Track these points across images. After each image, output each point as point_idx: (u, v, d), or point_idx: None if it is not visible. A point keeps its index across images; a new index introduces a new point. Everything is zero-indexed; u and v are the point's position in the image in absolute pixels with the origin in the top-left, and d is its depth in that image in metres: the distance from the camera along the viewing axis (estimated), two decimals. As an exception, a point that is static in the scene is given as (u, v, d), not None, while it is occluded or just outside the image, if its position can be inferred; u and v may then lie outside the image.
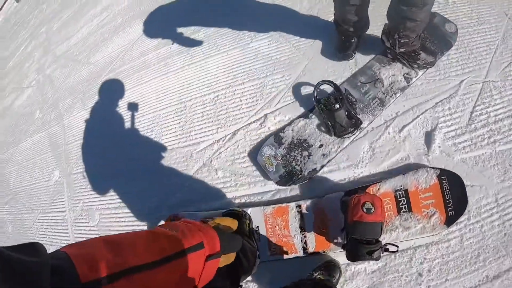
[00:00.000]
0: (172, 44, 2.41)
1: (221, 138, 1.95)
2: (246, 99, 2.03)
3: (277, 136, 1.64)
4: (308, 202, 1.44)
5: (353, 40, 1.78)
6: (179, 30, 2.53)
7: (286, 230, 1.44)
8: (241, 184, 1.73)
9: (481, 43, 1.96)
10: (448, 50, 1.91)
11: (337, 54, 1.84)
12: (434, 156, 1.63)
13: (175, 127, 2.12)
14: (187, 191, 1.82)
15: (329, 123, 1.53)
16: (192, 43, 2.39)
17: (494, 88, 1.78)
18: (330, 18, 2.04)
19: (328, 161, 1.56)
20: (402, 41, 1.53)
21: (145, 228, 1.82)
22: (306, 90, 1.89)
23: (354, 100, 1.70)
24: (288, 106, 1.87)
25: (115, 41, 3.02)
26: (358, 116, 1.60)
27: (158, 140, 2.09)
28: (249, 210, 1.44)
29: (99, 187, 2.21)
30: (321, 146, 1.57)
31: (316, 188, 1.61)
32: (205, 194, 1.73)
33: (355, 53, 1.83)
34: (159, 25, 2.77)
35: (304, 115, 1.70)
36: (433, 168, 1.43)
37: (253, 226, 1.23)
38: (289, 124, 1.72)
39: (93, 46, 3.14)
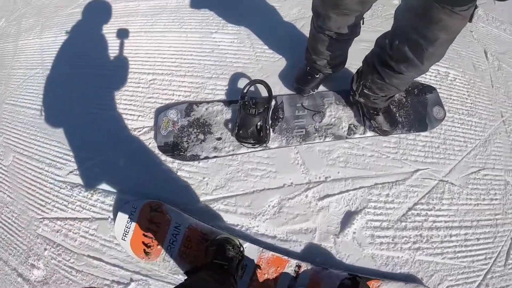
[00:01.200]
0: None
1: (138, 128, 1.74)
2: (179, 95, 1.82)
3: (190, 106, 1.65)
4: (310, 266, 1.35)
5: (317, 76, 1.57)
6: None
7: (273, 283, 1.36)
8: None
9: (459, 136, 1.80)
10: (415, 132, 1.73)
11: (293, 84, 1.63)
12: (343, 240, 1.45)
13: (106, 96, 1.95)
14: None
15: (237, 122, 1.48)
16: (160, 9, 2.21)
17: (448, 191, 1.61)
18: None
19: (214, 157, 1.55)
20: (365, 91, 1.38)
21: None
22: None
23: (281, 117, 1.63)
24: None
25: None
26: (268, 133, 1.53)
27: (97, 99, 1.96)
28: (246, 245, 1.37)
29: (26, 128, 2.04)
30: (219, 139, 1.59)
31: (323, 255, 1.47)
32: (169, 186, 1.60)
33: (313, 91, 1.62)
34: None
35: (225, 103, 1.65)
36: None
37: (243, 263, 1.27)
38: (208, 102, 1.68)
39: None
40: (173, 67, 1.93)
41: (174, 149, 1.55)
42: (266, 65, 1.87)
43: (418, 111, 1.76)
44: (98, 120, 1.78)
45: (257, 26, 2.05)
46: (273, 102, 1.60)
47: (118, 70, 1.95)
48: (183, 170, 1.55)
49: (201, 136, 1.58)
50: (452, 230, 1.54)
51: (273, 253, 1.41)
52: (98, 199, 1.50)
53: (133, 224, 1.38)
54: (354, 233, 1.45)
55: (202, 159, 1.52)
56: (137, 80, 1.93)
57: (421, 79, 1.83)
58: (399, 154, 1.57)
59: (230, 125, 1.58)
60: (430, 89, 1.85)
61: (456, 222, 1.57)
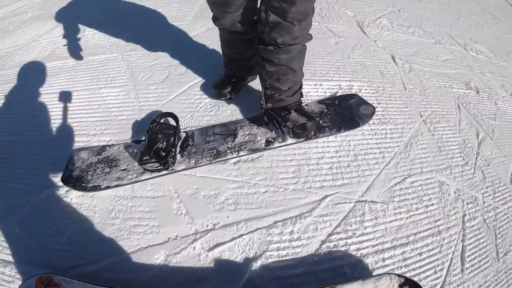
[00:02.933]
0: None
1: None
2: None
3: (103, 147, 1.75)
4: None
5: (233, 80, 1.79)
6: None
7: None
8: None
9: (373, 148, 1.78)
10: (349, 130, 1.81)
11: (212, 89, 1.85)
12: (242, 286, 1.34)
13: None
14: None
15: (142, 149, 1.56)
16: (59, 70, 2.41)
17: (369, 211, 1.55)
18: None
19: (116, 185, 1.58)
20: (267, 92, 1.52)
21: None
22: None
23: (191, 144, 1.70)
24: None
25: (12, 37, 3.08)
26: (174, 155, 1.61)
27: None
28: None
29: None
30: (124, 170, 1.64)
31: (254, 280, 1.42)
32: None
33: (231, 95, 1.83)
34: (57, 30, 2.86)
35: (137, 141, 1.79)
36: (398, 275, 1.28)
37: None
38: (123, 143, 1.80)
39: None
40: (64, 126, 2.00)
41: (77, 181, 1.60)
42: (148, 112, 1.97)
43: (344, 114, 1.86)
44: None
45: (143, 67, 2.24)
46: (183, 135, 1.71)
47: (16, 134, 2.04)
48: (69, 231, 1.56)
49: (107, 170, 1.65)
50: (383, 253, 1.45)
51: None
52: None
53: (38, 307, 1.36)
54: (256, 281, 1.37)
55: (103, 188, 1.57)
56: (35, 141, 1.98)
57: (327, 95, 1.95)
58: (300, 184, 1.52)
59: (135, 151, 1.67)
60: (351, 96, 1.97)
61: (388, 243, 1.48)
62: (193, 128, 1.78)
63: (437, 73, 2.41)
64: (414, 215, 1.61)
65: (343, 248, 1.45)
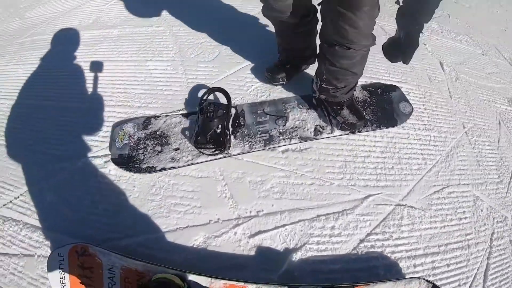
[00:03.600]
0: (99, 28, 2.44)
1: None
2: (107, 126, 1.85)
3: (148, 120, 1.72)
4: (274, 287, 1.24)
5: (287, 66, 1.77)
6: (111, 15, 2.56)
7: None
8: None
9: (416, 154, 1.80)
10: (387, 127, 1.82)
11: (265, 72, 1.83)
12: (280, 275, 1.38)
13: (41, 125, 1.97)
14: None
15: (196, 129, 1.54)
16: (102, 38, 2.36)
17: (407, 216, 1.57)
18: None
19: (172, 167, 1.56)
20: (323, 85, 1.53)
21: None
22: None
23: (242, 124, 1.69)
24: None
25: (53, 3, 2.99)
26: (229, 138, 1.58)
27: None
28: (191, 277, 1.26)
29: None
30: (177, 149, 1.63)
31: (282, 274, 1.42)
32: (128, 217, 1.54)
33: (284, 81, 1.83)
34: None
35: (184, 115, 1.73)
36: (427, 281, 1.32)
37: None
38: (167, 115, 1.74)
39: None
40: (106, 97, 1.95)
41: (129, 161, 1.57)
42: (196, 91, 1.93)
43: (385, 108, 1.85)
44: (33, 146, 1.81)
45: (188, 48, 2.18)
46: (233, 111, 1.68)
47: (55, 100, 2.00)
48: (105, 203, 1.55)
49: (158, 148, 1.62)
50: (415, 259, 1.48)
51: (225, 281, 1.31)
52: (26, 234, 1.48)
53: (67, 276, 1.34)
54: (294, 272, 1.39)
55: (158, 170, 1.55)
56: (75, 109, 1.95)
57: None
58: (346, 180, 1.54)
59: (188, 135, 1.62)
60: (393, 87, 1.97)
61: (420, 250, 1.51)
62: (243, 103, 1.78)
63: (482, 85, 2.39)
64: (448, 225, 1.64)
65: (379, 250, 1.48)
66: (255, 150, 1.58)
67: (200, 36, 2.25)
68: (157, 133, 1.67)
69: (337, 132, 1.66)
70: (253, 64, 2.04)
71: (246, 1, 2.59)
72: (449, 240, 1.60)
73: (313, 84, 1.62)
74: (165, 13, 2.47)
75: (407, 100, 1.93)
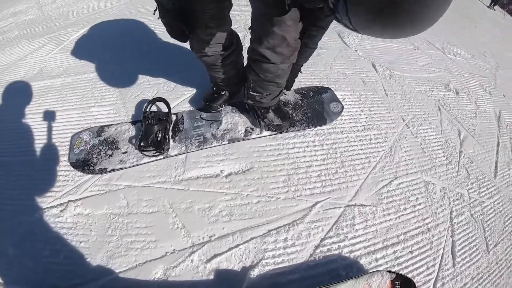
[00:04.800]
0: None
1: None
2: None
3: (102, 128, 1.90)
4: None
5: (223, 93, 1.85)
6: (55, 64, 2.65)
7: None
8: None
9: (359, 154, 1.88)
10: (316, 126, 1.95)
11: (201, 103, 1.90)
12: None
13: None
14: None
15: (140, 135, 1.74)
16: (47, 89, 2.43)
17: (359, 214, 1.63)
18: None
19: (120, 168, 1.74)
20: (250, 92, 1.64)
21: None
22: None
23: (181, 129, 1.88)
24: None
25: None
26: (167, 141, 1.78)
27: None
28: None
29: None
30: (124, 152, 1.81)
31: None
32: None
33: (221, 107, 1.91)
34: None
35: (132, 122, 1.93)
36: (389, 271, 1.35)
37: None
38: (118, 124, 1.93)
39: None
40: (54, 147, 1.99)
41: (84, 164, 1.76)
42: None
43: (315, 109, 2.00)
44: None
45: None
46: (174, 118, 1.87)
47: (5, 155, 2.03)
48: (66, 250, 1.57)
49: (109, 152, 1.81)
50: (376, 253, 1.52)
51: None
52: None
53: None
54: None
55: (109, 171, 1.72)
56: (25, 162, 1.98)
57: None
58: (291, 192, 1.60)
59: (134, 141, 1.81)
60: (325, 89, 2.12)
61: (379, 244, 1.56)
62: (183, 111, 1.95)
63: (417, 78, 2.54)
64: (402, 215, 1.69)
65: (336, 252, 1.52)
66: (191, 151, 1.77)
67: (138, 77, 2.36)
68: (109, 139, 1.87)
69: (265, 132, 1.83)
70: (191, 96, 2.16)
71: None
72: (407, 228, 1.65)
73: (244, 90, 1.76)
74: (105, 58, 2.59)
75: (337, 100, 2.07)
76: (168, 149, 1.76)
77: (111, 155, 1.81)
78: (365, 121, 2.06)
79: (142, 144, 1.71)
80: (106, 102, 2.14)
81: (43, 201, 1.71)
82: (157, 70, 2.32)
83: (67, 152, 1.89)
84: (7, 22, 3.53)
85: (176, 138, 1.83)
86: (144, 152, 1.74)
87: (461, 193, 1.88)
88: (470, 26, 3.83)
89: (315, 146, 1.86)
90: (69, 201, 1.71)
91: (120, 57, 2.51)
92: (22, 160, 1.90)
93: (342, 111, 1.96)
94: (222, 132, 1.84)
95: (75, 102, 2.19)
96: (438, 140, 2.11)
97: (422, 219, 1.69)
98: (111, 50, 2.59)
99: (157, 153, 1.73)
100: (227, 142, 1.77)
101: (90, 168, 1.75)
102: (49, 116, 2.15)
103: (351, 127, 2.01)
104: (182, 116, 1.92)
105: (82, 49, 2.68)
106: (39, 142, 1.97)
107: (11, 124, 2.12)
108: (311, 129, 1.86)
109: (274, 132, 1.78)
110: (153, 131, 1.73)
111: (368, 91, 2.18)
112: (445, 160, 2.01)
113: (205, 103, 1.89)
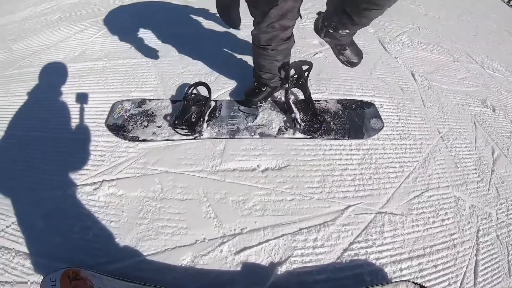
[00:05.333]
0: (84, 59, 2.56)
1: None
2: (95, 155, 1.92)
3: (143, 100, 2.10)
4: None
5: (264, 89, 1.92)
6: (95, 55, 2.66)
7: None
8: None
9: (393, 162, 1.89)
10: (352, 139, 1.94)
11: (243, 96, 1.97)
12: None
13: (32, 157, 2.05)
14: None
15: (177, 113, 1.87)
16: (88, 71, 2.47)
17: (389, 222, 1.65)
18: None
19: (151, 140, 1.87)
20: (330, 31, 1.67)
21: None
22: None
23: (218, 115, 1.99)
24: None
25: (40, 36, 3.16)
26: (201, 124, 1.90)
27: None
28: None
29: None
30: (159, 126, 1.95)
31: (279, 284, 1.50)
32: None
33: (261, 103, 1.97)
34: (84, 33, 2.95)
35: (173, 101, 2.10)
36: (414, 283, 1.38)
37: None
38: (160, 100, 2.11)
39: (25, 32, 3.29)
40: (93, 127, 2.06)
41: (119, 129, 1.91)
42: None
43: (355, 122, 2.01)
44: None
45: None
46: (212, 104, 1.99)
47: (44, 131, 2.11)
48: (96, 228, 1.63)
49: (145, 123, 1.94)
50: (401, 263, 1.54)
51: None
52: (18, 261, 1.54)
53: (60, 300, 1.41)
54: (280, 285, 1.44)
55: (140, 140, 1.84)
56: (63, 139, 2.05)
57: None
58: (325, 193, 1.62)
59: (169, 118, 1.94)
60: (369, 104, 2.12)
61: (405, 254, 1.57)
62: (222, 100, 2.03)
63: (454, 91, 2.51)
64: (430, 228, 1.70)
65: (363, 257, 1.54)
66: (221, 137, 1.85)
67: (180, 66, 2.40)
68: (148, 112, 2.01)
69: (298, 135, 1.85)
70: (231, 89, 2.16)
71: (225, 28, 2.81)
72: (434, 241, 1.66)
73: (318, 27, 1.74)
74: (147, 44, 2.66)
75: (379, 117, 2.07)
76: (200, 132, 1.85)
77: (146, 126, 1.94)
78: (401, 130, 2.07)
79: (176, 122, 1.81)
80: (147, 88, 2.21)
81: (77, 178, 1.77)
82: (201, 60, 2.37)
83: (103, 133, 1.98)
84: (49, 5, 3.64)
85: (211, 123, 1.92)
86: (177, 130, 1.83)
87: (489, 212, 1.86)
88: (510, 40, 3.72)
89: (351, 150, 1.89)
90: (104, 180, 1.76)
91: (163, 46, 2.58)
92: (59, 137, 1.98)
93: (382, 128, 1.97)
94: (255, 126, 1.90)
95: (115, 86, 2.25)
96: (472, 156, 2.09)
97: (449, 234, 1.69)
98: (154, 39, 2.67)
99: (188, 133, 1.82)
100: (258, 136, 1.84)
101: (124, 134, 1.88)
102: (89, 97, 2.22)
103: (387, 134, 2.01)
104: (221, 104, 2.01)
105: (124, 35, 2.76)
106: (79, 122, 2.04)
107: (52, 103, 2.20)
108: (347, 140, 1.88)
109: (307, 136, 1.84)
110: (190, 111, 1.85)
111: (406, 100, 2.18)
112: (477, 178, 1.99)
113: (246, 98, 1.97)
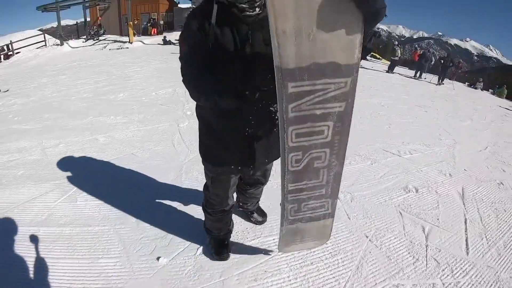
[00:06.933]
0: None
1: None
2: None
3: None
4: None
5: (226, 243, 2.07)
6: None
7: None
8: None
9: (328, 279, 2.14)
10: None
11: (213, 256, 2.08)
12: None
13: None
14: None
15: None
16: (56, 236, 2.45)
17: None
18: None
19: None
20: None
21: None
22: None
23: None
24: None
25: (7, 192, 3.11)
26: None
27: None
28: None
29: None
30: None
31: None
32: None
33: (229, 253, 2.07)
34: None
35: None
36: None
37: None
38: None
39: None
40: None
41: None
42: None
43: None
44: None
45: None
46: None
47: None
48: None
49: None
50: None
51: None
52: None
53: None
54: None
55: None
56: None
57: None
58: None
59: None
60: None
61: None
62: None
63: (376, 192, 2.88)
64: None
65: None
66: None
67: (138, 232, 2.41)
68: None
69: None
70: (187, 248, 2.24)
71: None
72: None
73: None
74: (106, 210, 2.69)
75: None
76: None
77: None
78: (331, 248, 2.34)
79: None
80: (112, 255, 2.36)
81: None
82: (155, 223, 2.49)
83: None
84: (13, 157, 3.70)
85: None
86: None
87: (433, 283, 2.04)
88: (421, 114, 4.21)
89: (289, 278, 2.15)
90: None
91: (122, 211, 2.66)
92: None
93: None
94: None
95: (84, 253, 2.38)
96: (403, 243, 2.32)
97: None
98: (112, 205, 2.75)
99: None
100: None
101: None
102: (59, 263, 2.24)
103: (319, 257, 2.28)
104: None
105: (85, 201, 2.91)
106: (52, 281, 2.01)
107: (27, 271, 2.14)
108: (303, 272, 2.20)
109: None
110: None
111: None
112: (412, 259, 2.20)
113: (218, 256, 2.16)
